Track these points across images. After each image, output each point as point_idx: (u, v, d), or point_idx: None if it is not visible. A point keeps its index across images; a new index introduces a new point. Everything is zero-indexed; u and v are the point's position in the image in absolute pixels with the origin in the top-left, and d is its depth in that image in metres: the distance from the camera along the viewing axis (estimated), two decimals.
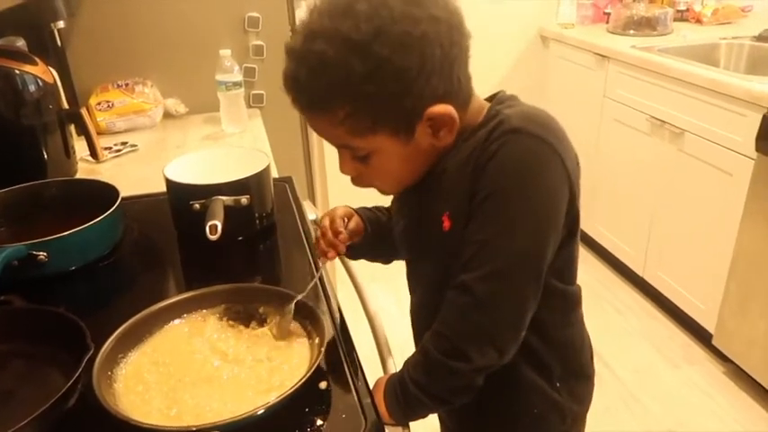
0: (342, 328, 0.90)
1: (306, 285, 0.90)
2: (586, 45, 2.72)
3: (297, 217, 1.23)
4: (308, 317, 0.85)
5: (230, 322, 0.88)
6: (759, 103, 1.87)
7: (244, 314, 0.89)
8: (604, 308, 2.59)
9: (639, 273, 2.58)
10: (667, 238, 2.39)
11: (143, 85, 1.85)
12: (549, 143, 0.73)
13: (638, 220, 2.53)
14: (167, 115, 1.90)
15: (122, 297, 1.06)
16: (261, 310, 0.89)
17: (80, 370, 0.73)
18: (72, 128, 1.44)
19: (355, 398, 0.76)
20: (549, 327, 0.85)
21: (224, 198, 1.08)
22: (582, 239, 2.88)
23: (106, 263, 1.10)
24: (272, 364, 0.80)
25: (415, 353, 0.83)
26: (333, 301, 0.96)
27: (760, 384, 2.05)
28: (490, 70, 3.04)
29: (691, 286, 2.30)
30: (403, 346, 0.96)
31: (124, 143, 1.70)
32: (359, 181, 0.84)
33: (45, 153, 1.39)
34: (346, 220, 0.98)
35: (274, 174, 1.30)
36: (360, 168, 0.81)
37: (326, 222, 0.96)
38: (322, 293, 0.98)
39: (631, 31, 2.72)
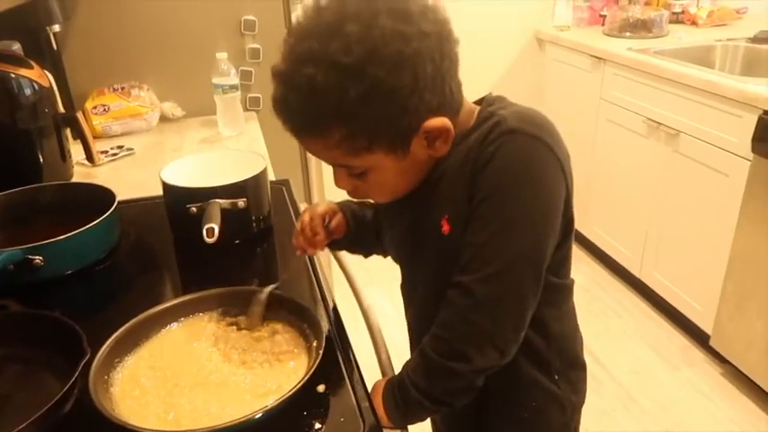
0: (339, 332, 0.89)
1: (303, 287, 0.90)
2: (582, 47, 2.72)
3: (294, 220, 1.23)
4: (305, 320, 0.85)
5: (227, 326, 0.88)
6: (754, 105, 1.87)
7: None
8: (601, 309, 2.59)
9: (636, 274, 2.59)
10: (664, 240, 2.39)
11: (139, 89, 1.85)
12: (546, 142, 0.73)
13: (635, 222, 2.53)
14: (164, 119, 1.89)
15: (119, 301, 1.06)
16: None
17: (76, 374, 0.72)
18: (68, 132, 1.44)
19: (353, 401, 0.76)
20: (547, 321, 0.85)
21: (221, 201, 1.08)
22: (578, 241, 2.89)
23: (102, 267, 1.10)
24: (270, 367, 0.80)
25: (413, 356, 0.82)
26: (330, 304, 0.96)
27: (758, 385, 2.05)
28: (486, 73, 3.05)
29: (688, 287, 2.30)
30: (400, 348, 0.96)
31: (120, 147, 1.70)
32: (355, 195, 0.84)
33: (41, 157, 1.38)
34: (327, 219, 0.98)
35: (271, 177, 1.30)
36: (356, 183, 0.81)
37: (306, 218, 0.96)
38: (320, 296, 0.98)
39: (627, 34, 2.73)
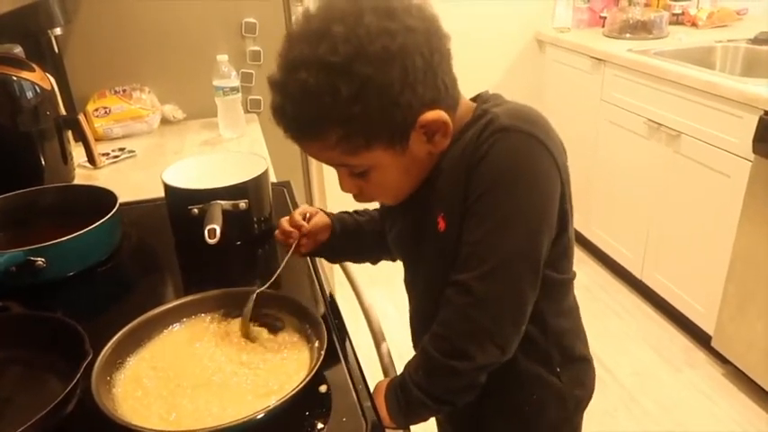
0: (341, 332, 0.89)
1: (304, 287, 0.90)
2: (582, 49, 2.72)
3: None
4: (307, 320, 0.85)
5: (229, 327, 0.88)
6: (755, 105, 1.87)
7: None
8: (603, 311, 2.59)
9: (638, 275, 2.59)
10: (665, 241, 2.39)
11: (140, 91, 1.85)
12: (539, 138, 0.74)
13: (636, 223, 2.53)
14: (165, 121, 1.90)
15: (121, 302, 1.06)
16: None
17: (79, 375, 0.72)
18: (69, 134, 1.44)
19: (355, 401, 0.76)
20: (547, 316, 0.85)
21: (222, 202, 1.08)
22: (580, 242, 2.90)
23: (104, 268, 1.10)
24: (272, 367, 0.80)
25: (415, 356, 0.83)
26: (332, 304, 0.96)
27: (759, 386, 2.05)
28: (487, 74, 3.05)
29: (689, 288, 2.30)
30: (402, 348, 0.96)
31: (122, 149, 1.70)
32: (361, 197, 0.85)
33: (42, 159, 1.39)
34: (308, 215, 0.99)
35: (272, 178, 1.30)
36: (360, 184, 0.81)
37: (284, 218, 0.99)
38: (321, 297, 0.98)
39: (627, 35, 2.73)
